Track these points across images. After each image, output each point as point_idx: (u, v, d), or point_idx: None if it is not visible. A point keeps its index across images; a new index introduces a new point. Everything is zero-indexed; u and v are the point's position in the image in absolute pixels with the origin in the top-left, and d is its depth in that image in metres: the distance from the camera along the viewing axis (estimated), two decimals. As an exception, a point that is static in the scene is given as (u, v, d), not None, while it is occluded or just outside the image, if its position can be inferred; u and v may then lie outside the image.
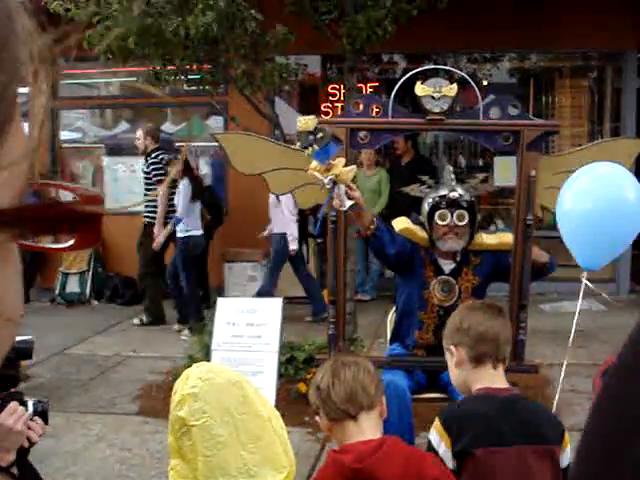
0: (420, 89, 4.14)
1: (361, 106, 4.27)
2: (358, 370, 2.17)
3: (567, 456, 2.39)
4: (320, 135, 3.68)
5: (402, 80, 4.29)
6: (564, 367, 4.12)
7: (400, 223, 4.36)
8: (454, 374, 2.54)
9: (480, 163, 10.68)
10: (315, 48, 7.94)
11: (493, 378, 2.44)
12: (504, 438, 2.32)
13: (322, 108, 10.09)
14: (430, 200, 4.18)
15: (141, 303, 9.83)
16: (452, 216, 4.10)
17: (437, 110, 4.15)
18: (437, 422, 2.39)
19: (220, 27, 5.73)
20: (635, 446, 0.52)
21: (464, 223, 4.11)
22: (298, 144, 4.16)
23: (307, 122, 3.72)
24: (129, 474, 4.84)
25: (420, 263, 4.24)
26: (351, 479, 1.99)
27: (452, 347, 2.50)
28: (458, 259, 4.23)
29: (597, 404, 0.59)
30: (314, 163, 3.71)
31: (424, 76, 4.43)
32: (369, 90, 9.80)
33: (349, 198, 3.74)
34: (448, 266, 4.24)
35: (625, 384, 0.56)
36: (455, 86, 4.17)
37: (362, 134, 4.28)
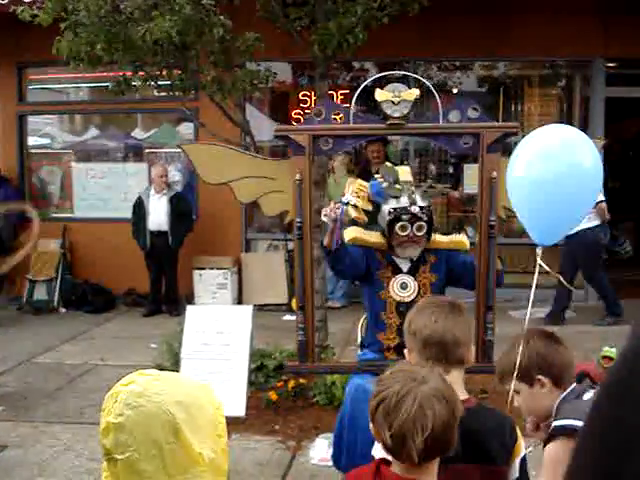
0: (380, 94, 4.21)
1: (323, 113, 4.31)
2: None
3: (515, 468, 2.33)
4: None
5: (361, 87, 4.33)
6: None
7: (349, 233, 4.37)
8: None
9: (450, 170, 10.73)
10: (286, 55, 7.95)
11: None
12: (450, 457, 2.16)
13: (293, 115, 10.09)
14: (391, 210, 4.22)
15: (111, 310, 9.79)
16: (412, 227, 4.18)
17: (397, 115, 4.21)
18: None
19: (187, 33, 5.70)
20: (626, 473, 0.50)
21: (423, 233, 4.22)
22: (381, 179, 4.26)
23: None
24: (97, 484, 4.77)
25: (377, 266, 4.31)
26: None
27: (406, 352, 2.47)
28: (415, 258, 4.31)
29: (587, 424, 0.57)
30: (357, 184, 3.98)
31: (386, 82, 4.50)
32: (340, 97, 9.81)
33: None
34: (405, 265, 4.32)
35: (616, 406, 0.54)
36: (414, 90, 4.23)
37: (324, 140, 4.32)
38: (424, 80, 4.74)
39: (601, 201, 8.13)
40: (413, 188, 4.31)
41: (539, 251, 3.36)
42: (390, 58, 10.03)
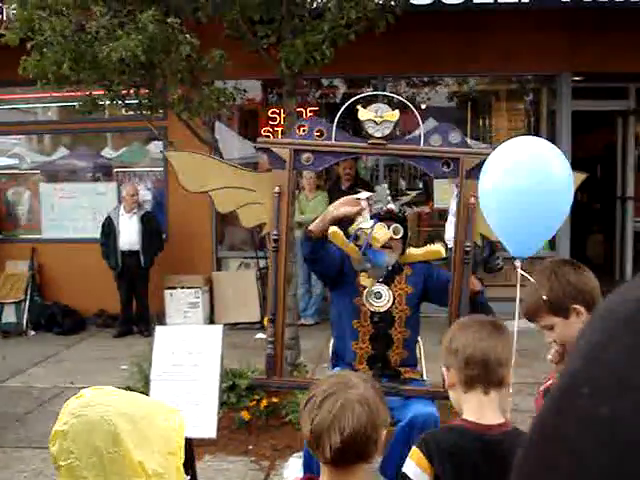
0: (362, 114, 4.21)
1: (306, 129, 4.33)
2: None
3: None
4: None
5: (345, 106, 4.34)
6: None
7: (333, 231, 4.39)
8: (450, 395, 2.43)
9: (420, 186, 10.77)
10: (255, 72, 7.95)
11: (483, 407, 2.30)
12: (480, 479, 2.23)
13: (262, 132, 10.08)
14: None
15: (81, 331, 9.67)
16: (389, 229, 4.16)
17: (379, 135, 4.21)
18: (417, 452, 2.25)
19: (152, 51, 5.68)
20: None
21: (399, 236, 4.21)
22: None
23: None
24: (67, 510, 4.68)
25: (352, 272, 4.28)
26: None
27: (444, 369, 2.39)
28: (390, 268, 4.27)
29: (520, 461, 0.56)
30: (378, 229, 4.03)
31: (366, 101, 4.50)
32: (309, 114, 9.83)
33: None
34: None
35: (545, 448, 0.52)
36: (397, 112, 4.24)
37: (305, 156, 4.31)
38: (407, 102, 4.70)
39: None
40: (389, 199, 4.35)
41: (518, 264, 3.33)
42: (358, 75, 10.09)
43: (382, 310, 4.22)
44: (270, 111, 10.16)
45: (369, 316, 4.23)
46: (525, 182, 3.17)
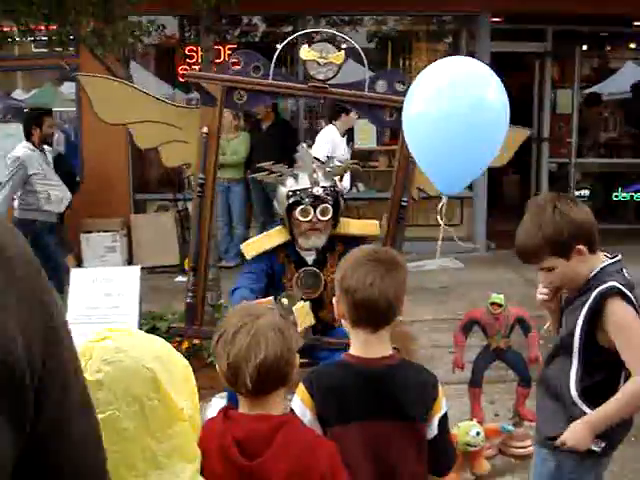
0: (305, 52, 3.94)
1: (241, 64, 4.03)
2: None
3: (434, 426, 2.27)
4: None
5: (286, 42, 4.09)
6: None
7: (250, 248, 4.07)
8: (342, 322, 2.37)
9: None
10: (171, 8, 7.69)
11: (369, 342, 2.25)
12: (363, 412, 2.21)
13: (179, 70, 9.84)
14: (290, 193, 3.86)
15: None
16: (315, 211, 3.82)
17: (321, 77, 3.96)
18: (301, 387, 2.24)
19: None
20: None
21: (328, 217, 3.86)
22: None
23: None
24: None
25: (281, 270, 4.00)
26: (233, 467, 1.90)
27: (334, 300, 2.34)
28: (320, 248, 3.99)
29: None
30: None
31: (307, 40, 4.21)
32: (227, 52, 9.62)
33: None
34: (311, 257, 4.01)
35: None
36: (342, 54, 3.98)
37: (239, 94, 4.04)
38: (354, 43, 4.38)
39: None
40: (314, 166, 3.97)
41: (444, 200, 3.13)
42: (278, 12, 9.91)
43: (314, 296, 3.93)
44: (187, 49, 9.89)
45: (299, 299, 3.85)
46: (458, 107, 2.76)
